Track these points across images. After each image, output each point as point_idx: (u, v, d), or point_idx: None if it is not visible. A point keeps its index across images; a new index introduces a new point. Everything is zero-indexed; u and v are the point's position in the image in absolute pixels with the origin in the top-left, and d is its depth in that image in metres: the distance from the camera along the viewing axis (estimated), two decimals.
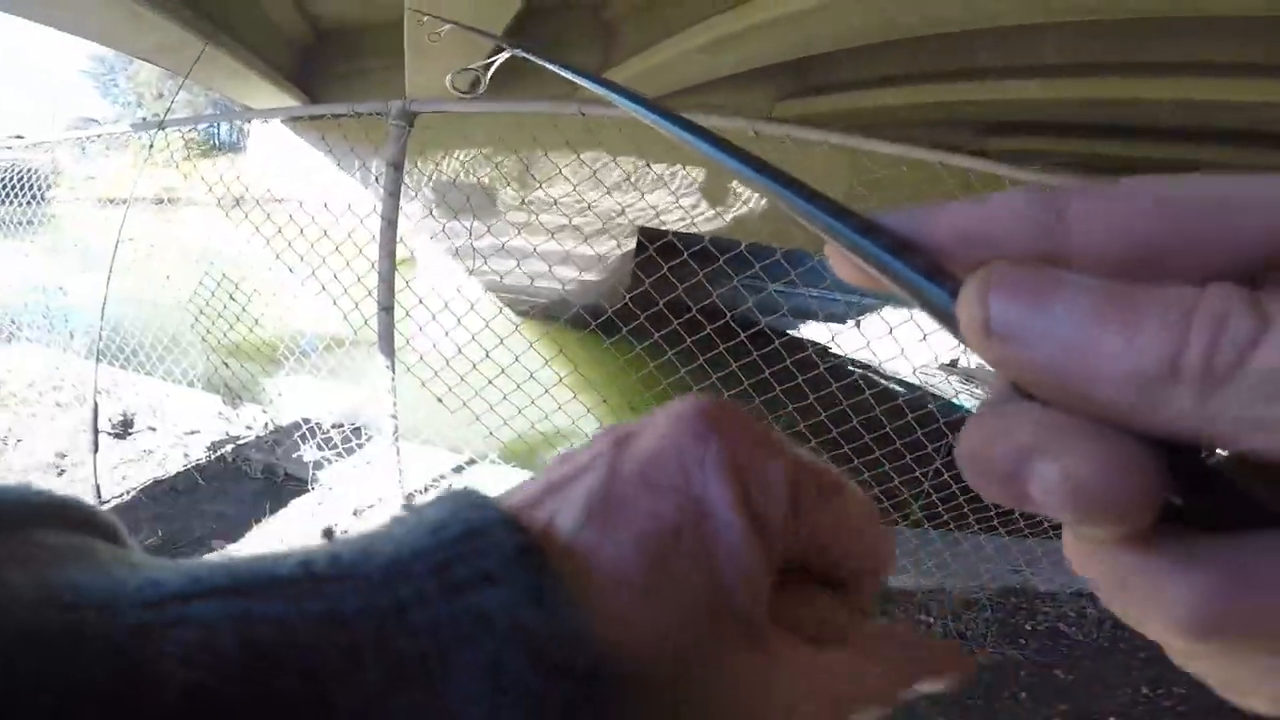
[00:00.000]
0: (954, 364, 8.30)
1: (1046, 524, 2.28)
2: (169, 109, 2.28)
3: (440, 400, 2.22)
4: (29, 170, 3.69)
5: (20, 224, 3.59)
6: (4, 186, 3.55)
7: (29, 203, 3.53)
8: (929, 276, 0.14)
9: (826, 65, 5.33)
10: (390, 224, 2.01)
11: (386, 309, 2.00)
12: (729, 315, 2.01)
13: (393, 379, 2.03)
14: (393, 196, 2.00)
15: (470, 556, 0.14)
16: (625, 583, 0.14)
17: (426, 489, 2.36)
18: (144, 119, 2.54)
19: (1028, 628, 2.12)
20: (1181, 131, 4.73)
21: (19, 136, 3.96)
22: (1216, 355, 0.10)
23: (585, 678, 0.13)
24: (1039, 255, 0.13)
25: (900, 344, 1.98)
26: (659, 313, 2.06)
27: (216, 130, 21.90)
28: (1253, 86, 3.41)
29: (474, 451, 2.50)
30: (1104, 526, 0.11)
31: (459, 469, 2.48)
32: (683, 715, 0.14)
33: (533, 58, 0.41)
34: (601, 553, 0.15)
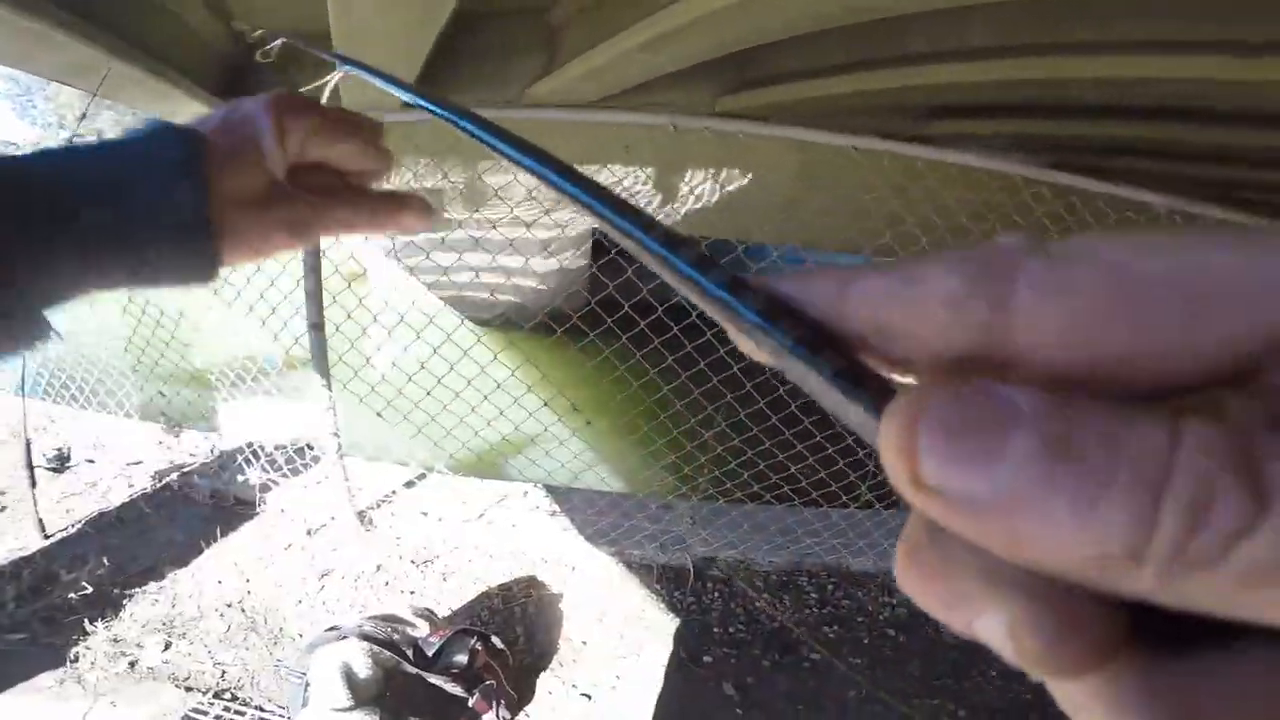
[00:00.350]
0: None
1: None
2: (78, 131, 2.17)
3: (406, 417, 2.19)
4: None
5: None
6: None
7: None
8: (838, 374, 0.11)
9: (766, 58, 5.42)
10: None
11: (316, 326, 1.94)
12: (694, 314, 2.02)
13: (330, 397, 1.98)
14: None
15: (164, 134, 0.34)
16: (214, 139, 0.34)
17: (379, 504, 2.33)
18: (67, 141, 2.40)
19: None
20: (1108, 109, 4.99)
21: None
22: (1193, 542, 0.08)
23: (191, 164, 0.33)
24: (975, 357, 0.11)
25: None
26: (625, 315, 2.06)
27: None
28: (1171, 63, 3.62)
29: (423, 464, 2.48)
30: (1054, 676, 0.10)
31: (410, 484, 2.45)
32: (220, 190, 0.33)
33: (362, 73, 0.43)
34: (208, 128, 0.34)
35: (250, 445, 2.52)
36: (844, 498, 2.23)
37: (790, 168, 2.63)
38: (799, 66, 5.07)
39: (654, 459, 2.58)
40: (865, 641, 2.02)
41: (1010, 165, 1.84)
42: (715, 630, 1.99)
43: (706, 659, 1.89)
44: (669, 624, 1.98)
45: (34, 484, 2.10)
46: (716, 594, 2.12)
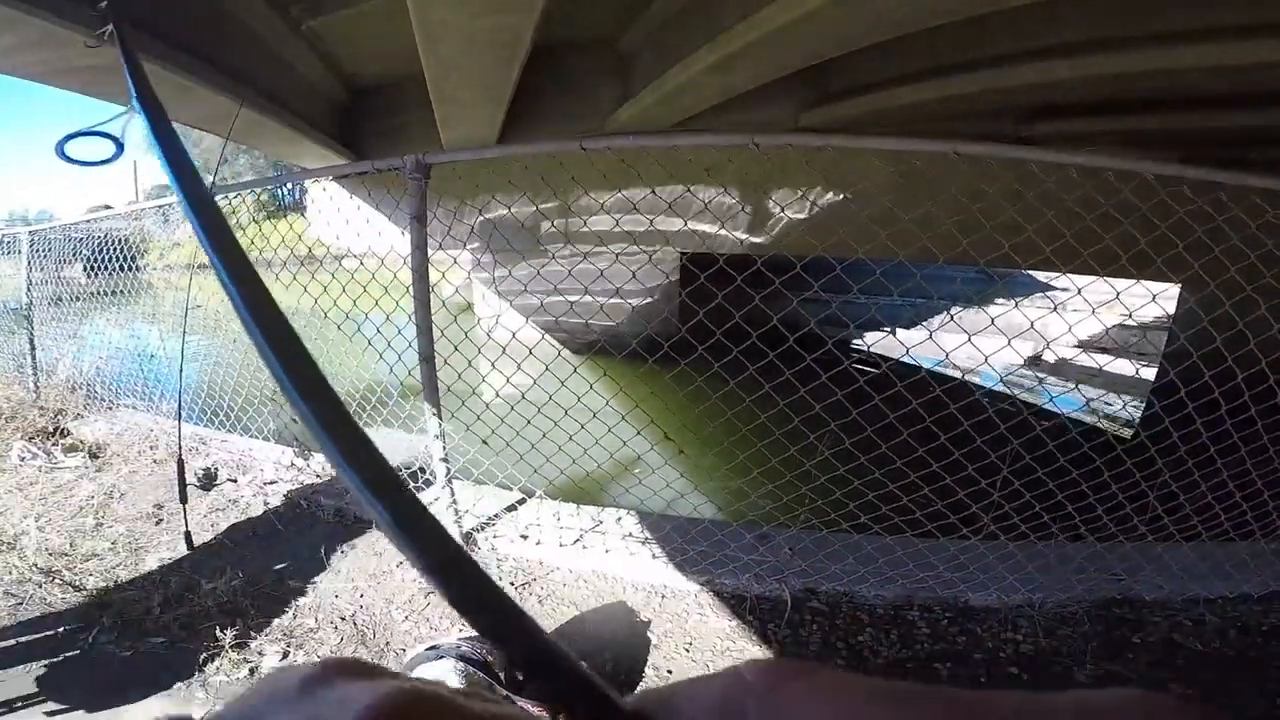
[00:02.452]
0: (1037, 359, 7.72)
1: (1144, 529, 2.09)
2: (214, 178, 2.44)
3: (509, 444, 2.28)
4: (122, 240, 3.99)
5: (119, 293, 3.88)
6: (102, 253, 3.83)
7: (123, 270, 3.80)
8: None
9: (845, 70, 5.27)
10: (421, 276, 2.02)
11: (427, 359, 2.03)
12: (791, 339, 1.96)
13: (439, 425, 2.08)
14: (419, 250, 1.99)
15: None
16: None
17: (483, 526, 2.42)
18: (209, 185, 2.75)
19: (1135, 640, 1.93)
20: (1231, 97, 4.42)
21: (107, 206, 4.30)
22: None
23: None
24: None
25: (975, 343, 1.89)
26: (718, 341, 2.03)
27: (280, 192, 23.45)
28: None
29: (523, 489, 2.56)
30: None
31: (512, 508, 2.53)
32: None
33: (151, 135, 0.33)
34: None
35: None
36: (963, 530, 2.06)
37: (883, 179, 2.52)
38: (881, 75, 4.89)
39: (750, 488, 2.52)
40: (983, 680, 1.83)
41: (1139, 164, 1.65)
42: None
43: None
44: (761, 657, 1.90)
45: (185, 500, 2.37)
46: (815, 627, 2.01)
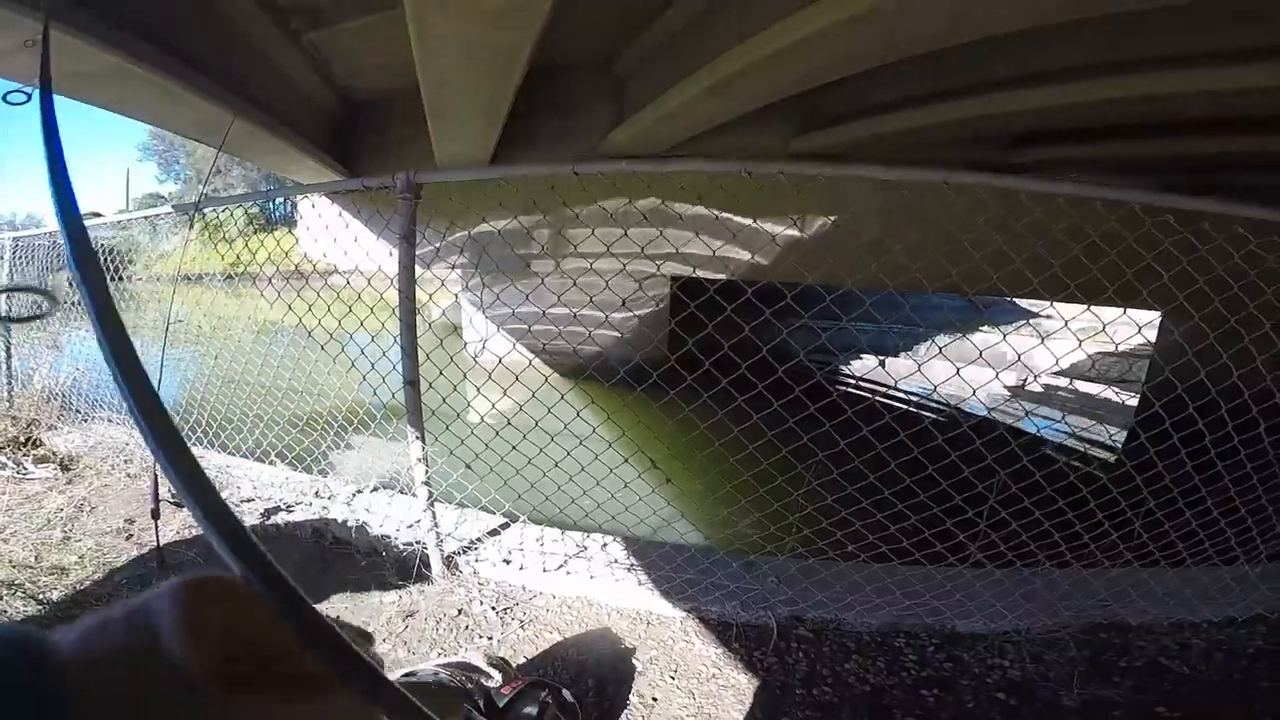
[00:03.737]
0: (1022, 387, 7.82)
1: (1129, 556, 2.11)
2: (203, 190, 2.42)
3: (493, 469, 2.24)
4: (108, 249, 3.91)
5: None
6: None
7: (110, 280, 3.77)
8: None
9: (837, 96, 5.36)
10: (407, 297, 1.97)
11: (412, 383, 1.98)
12: (780, 370, 1.95)
13: (423, 449, 2.04)
14: (407, 270, 1.95)
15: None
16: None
17: (465, 550, 2.37)
18: (199, 197, 2.71)
19: (1122, 665, 1.93)
20: (1217, 122, 4.54)
21: (96, 214, 4.24)
22: None
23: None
24: None
25: (960, 371, 1.90)
26: (707, 371, 2.02)
27: (271, 206, 23.37)
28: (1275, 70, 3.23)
29: (507, 514, 2.52)
30: None
31: (494, 532, 2.49)
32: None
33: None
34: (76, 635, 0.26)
35: (350, 489, 2.64)
36: (950, 558, 2.04)
37: (872, 207, 2.55)
38: (870, 102, 4.98)
39: (737, 517, 2.49)
40: (970, 705, 1.80)
41: (1126, 193, 1.68)
42: (798, 691, 1.84)
43: None
44: (746, 683, 1.86)
45: (157, 516, 2.28)
46: (801, 654, 1.98)
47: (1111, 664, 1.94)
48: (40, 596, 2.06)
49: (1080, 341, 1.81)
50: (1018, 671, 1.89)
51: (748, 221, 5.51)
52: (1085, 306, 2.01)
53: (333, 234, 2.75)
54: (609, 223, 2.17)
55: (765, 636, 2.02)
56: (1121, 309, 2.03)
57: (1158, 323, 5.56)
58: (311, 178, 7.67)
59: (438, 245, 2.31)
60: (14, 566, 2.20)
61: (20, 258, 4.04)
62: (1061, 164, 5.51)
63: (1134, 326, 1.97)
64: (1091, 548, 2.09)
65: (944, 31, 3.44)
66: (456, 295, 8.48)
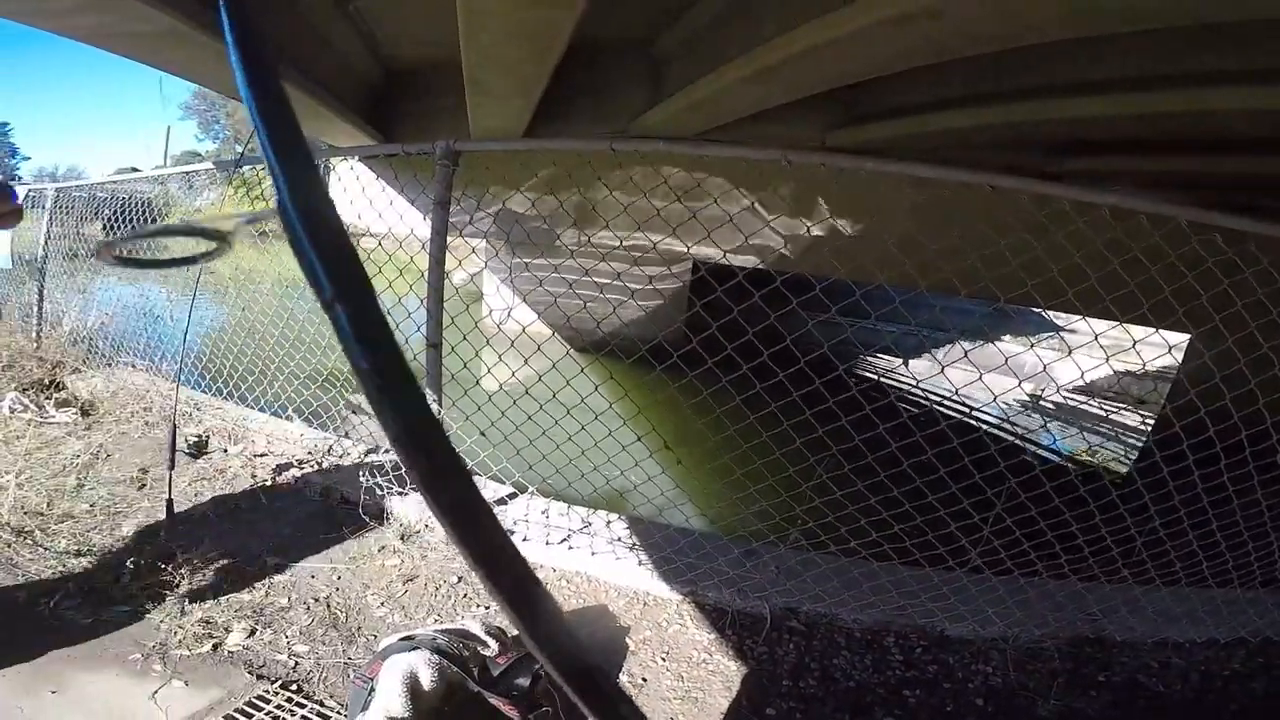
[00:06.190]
0: (1038, 398, 7.75)
1: (1125, 571, 2.10)
2: (244, 148, 2.44)
3: (507, 437, 2.25)
4: (145, 201, 4.02)
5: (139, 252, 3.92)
6: (123, 215, 3.89)
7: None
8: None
9: (879, 91, 5.24)
10: (438, 262, 2.00)
11: (434, 345, 2.01)
12: (802, 361, 1.94)
13: (440, 411, 2.05)
14: (439, 235, 1.98)
15: None
16: None
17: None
18: (239, 156, 2.76)
19: (1100, 679, 1.95)
20: (1267, 142, 4.37)
21: (134, 169, 4.35)
22: None
23: None
24: None
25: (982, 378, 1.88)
26: (728, 355, 2.01)
27: None
28: None
29: (516, 484, 2.54)
30: None
31: (502, 501, 2.51)
32: None
33: None
34: None
35: (361, 449, 2.67)
36: (950, 561, 2.04)
37: (904, 205, 2.50)
38: (914, 100, 4.86)
39: (744, 504, 2.49)
40: (949, 709, 1.82)
41: (1174, 208, 1.62)
42: (785, 682, 1.86)
43: (770, 711, 1.77)
44: (735, 670, 1.88)
45: (172, 466, 2.32)
46: (792, 646, 1.99)
47: (1091, 678, 1.96)
48: (49, 545, 2.07)
49: (1108, 357, 1.77)
50: (999, 678, 1.91)
51: (782, 212, 5.44)
52: (1117, 322, 1.97)
53: (368, 197, 2.78)
54: (641, 201, 2.15)
55: (758, 626, 2.03)
56: (1154, 328, 1.99)
57: (1185, 344, 5.44)
58: (346, 140, 7.71)
59: (470, 214, 2.31)
60: (26, 513, 2.21)
61: (61, 206, 4.14)
62: (1102, 175, 5.34)
63: (1163, 346, 1.92)
64: (1090, 561, 2.08)
65: (995, 34, 3.34)
66: (485, 263, 8.50)
